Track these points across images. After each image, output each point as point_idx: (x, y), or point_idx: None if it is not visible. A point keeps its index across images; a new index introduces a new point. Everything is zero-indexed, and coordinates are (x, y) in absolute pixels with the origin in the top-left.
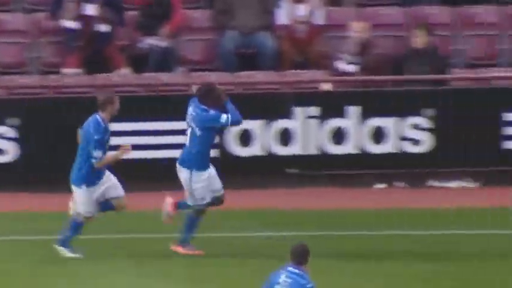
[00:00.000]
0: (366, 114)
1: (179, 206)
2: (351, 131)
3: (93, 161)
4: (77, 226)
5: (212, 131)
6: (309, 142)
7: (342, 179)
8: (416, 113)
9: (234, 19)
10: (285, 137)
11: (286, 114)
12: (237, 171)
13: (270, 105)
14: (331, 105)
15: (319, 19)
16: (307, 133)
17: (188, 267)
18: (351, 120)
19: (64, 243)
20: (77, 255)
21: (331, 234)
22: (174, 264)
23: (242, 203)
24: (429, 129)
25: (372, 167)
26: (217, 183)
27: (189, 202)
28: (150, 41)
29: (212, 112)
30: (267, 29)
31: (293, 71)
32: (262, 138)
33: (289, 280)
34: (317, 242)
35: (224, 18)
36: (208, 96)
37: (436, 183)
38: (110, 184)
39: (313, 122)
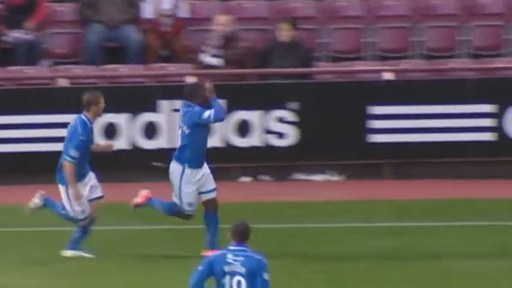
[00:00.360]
0: (230, 108)
1: (149, 202)
2: (216, 124)
3: (66, 158)
4: (84, 230)
5: (200, 128)
6: (174, 135)
7: None
8: (280, 106)
9: (99, 13)
10: (151, 130)
11: (152, 108)
12: (102, 165)
13: (136, 99)
14: None
15: (184, 12)
16: (172, 126)
17: (49, 263)
18: None
19: (74, 245)
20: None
21: (196, 228)
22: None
23: (107, 198)
24: (294, 123)
25: (237, 160)
26: (211, 184)
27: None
28: (15, 35)
29: (196, 108)
30: (133, 23)
31: (159, 64)
32: (128, 131)
33: (239, 258)
34: (180, 235)
35: (89, 12)
36: (195, 93)
37: (301, 177)
38: (93, 184)
39: (179, 115)
